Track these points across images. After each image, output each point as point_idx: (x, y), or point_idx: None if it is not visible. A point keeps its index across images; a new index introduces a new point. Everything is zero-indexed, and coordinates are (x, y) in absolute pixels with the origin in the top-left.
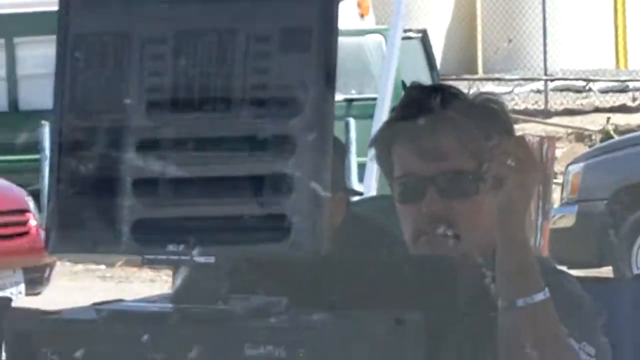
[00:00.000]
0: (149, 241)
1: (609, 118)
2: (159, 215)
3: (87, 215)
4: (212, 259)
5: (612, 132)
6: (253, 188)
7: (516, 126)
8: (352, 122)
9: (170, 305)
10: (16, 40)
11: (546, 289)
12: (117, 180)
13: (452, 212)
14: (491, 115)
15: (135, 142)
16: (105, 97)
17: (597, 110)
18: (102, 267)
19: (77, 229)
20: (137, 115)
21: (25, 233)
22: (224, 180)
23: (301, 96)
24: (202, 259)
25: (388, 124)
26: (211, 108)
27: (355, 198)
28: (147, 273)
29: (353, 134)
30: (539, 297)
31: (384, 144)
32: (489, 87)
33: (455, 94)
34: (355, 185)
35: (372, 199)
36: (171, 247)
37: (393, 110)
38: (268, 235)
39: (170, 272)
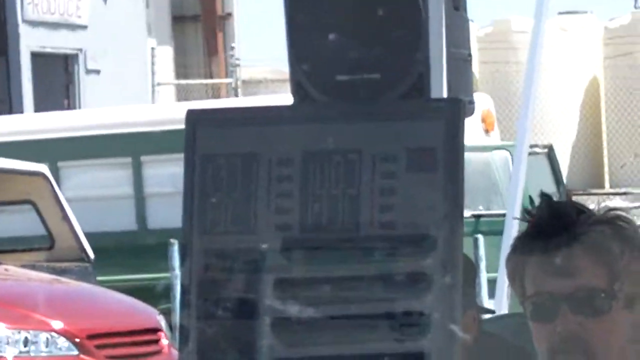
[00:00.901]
0: None
1: None
2: (297, 355)
3: (226, 355)
4: None
5: None
6: (390, 326)
7: None
8: (481, 238)
9: None
10: (143, 158)
11: None
12: (255, 319)
13: (587, 333)
14: (622, 234)
15: (271, 281)
16: (234, 220)
17: None
18: None
19: None
20: (271, 252)
21: (158, 352)
22: (360, 318)
23: (434, 234)
24: None
25: (519, 241)
26: (343, 241)
27: (487, 316)
28: None
29: (482, 251)
30: None
31: (515, 260)
32: (616, 202)
33: (584, 210)
34: (486, 302)
35: (503, 316)
36: None
37: (526, 228)
38: None
39: None
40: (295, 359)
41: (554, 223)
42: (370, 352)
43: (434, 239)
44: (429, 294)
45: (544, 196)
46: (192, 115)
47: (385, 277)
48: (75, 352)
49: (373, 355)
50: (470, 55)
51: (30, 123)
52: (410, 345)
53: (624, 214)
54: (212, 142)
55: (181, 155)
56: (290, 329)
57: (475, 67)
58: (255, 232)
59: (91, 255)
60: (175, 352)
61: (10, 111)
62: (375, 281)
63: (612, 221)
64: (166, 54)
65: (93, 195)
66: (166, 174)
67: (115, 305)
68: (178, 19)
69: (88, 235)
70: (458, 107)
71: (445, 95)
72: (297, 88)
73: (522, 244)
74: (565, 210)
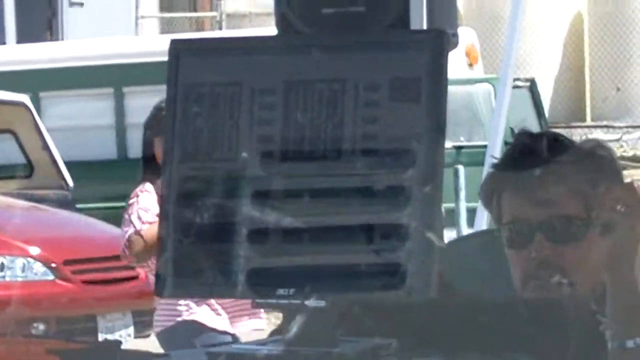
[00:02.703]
0: (263, 287)
1: None
2: (273, 265)
3: (202, 264)
4: (322, 303)
5: None
6: (367, 237)
7: (625, 172)
8: (461, 169)
9: (282, 348)
10: (125, 89)
11: None
12: (232, 230)
13: (561, 259)
14: (600, 162)
15: (250, 192)
16: (216, 146)
17: None
18: None
19: (192, 277)
20: (251, 166)
21: (135, 277)
22: (338, 229)
23: (415, 148)
24: (313, 303)
25: (497, 170)
26: (324, 158)
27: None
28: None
29: (462, 181)
30: None
31: (492, 190)
32: (597, 135)
33: (563, 141)
34: (465, 230)
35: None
36: (281, 291)
37: (502, 156)
38: (383, 283)
39: (279, 316)
40: (272, 269)
41: (531, 152)
42: (347, 262)
43: (415, 154)
44: (408, 207)
45: (522, 129)
46: (175, 45)
47: (364, 189)
48: (52, 277)
49: (350, 265)
50: None
51: (13, 54)
52: (387, 256)
53: (602, 144)
54: (194, 72)
55: (163, 87)
56: (267, 240)
57: (460, 2)
58: (239, 160)
59: (70, 183)
60: (151, 278)
61: None
62: (354, 194)
63: (591, 151)
64: None
65: (75, 125)
66: (148, 105)
67: (93, 232)
68: None
69: (69, 164)
70: (442, 38)
71: (426, 28)
72: (282, 20)
73: (499, 172)
74: (543, 140)
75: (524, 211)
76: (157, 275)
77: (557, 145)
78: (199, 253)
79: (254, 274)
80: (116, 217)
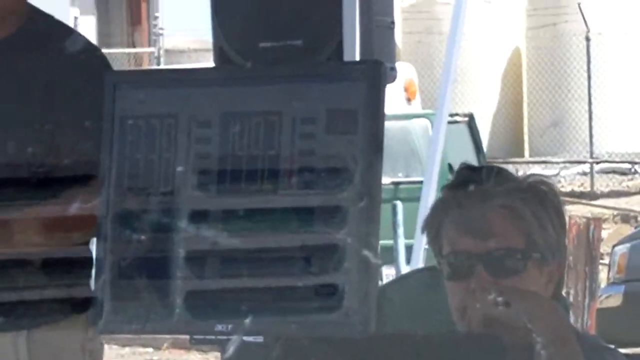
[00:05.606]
0: (200, 316)
1: None
2: (211, 287)
3: (140, 286)
4: (260, 339)
5: None
6: (305, 260)
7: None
8: (399, 204)
9: None
10: None
11: None
12: (169, 252)
13: (501, 287)
14: (542, 197)
15: (187, 217)
16: (152, 177)
17: None
18: (149, 349)
19: (129, 300)
20: (187, 187)
21: None
22: (275, 253)
23: (351, 167)
24: (250, 339)
25: (439, 203)
26: (260, 191)
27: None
28: (194, 355)
29: (400, 217)
30: None
31: (434, 223)
32: (535, 170)
33: (505, 174)
34: (403, 267)
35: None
36: (220, 327)
37: (443, 189)
38: (320, 305)
39: (218, 355)
40: (209, 291)
41: (471, 186)
42: (284, 285)
43: (352, 173)
44: (345, 227)
45: (464, 163)
46: (111, 76)
47: (301, 210)
48: None
49: (287, 287)
50: (393, 22)
51: None
52: (324, 278)
53: (545, 178)
54: (131, 104)
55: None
56: (204, 262)
57: (399, 38)
58: (173, 192)
59: None
60: None
61: None
62: (290, 217)
63: (532, 185)
64: (89, 23)
65: None
66: None
67: None
68: None
69: None
70: (379, 69)
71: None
72: (220, 54)
73: (441, 206)
74: (484, 174)
75: (464, 243)
76: (94, 300)
77: (499, 178)
78: (136, 274)
79: (192, 300)
80: None
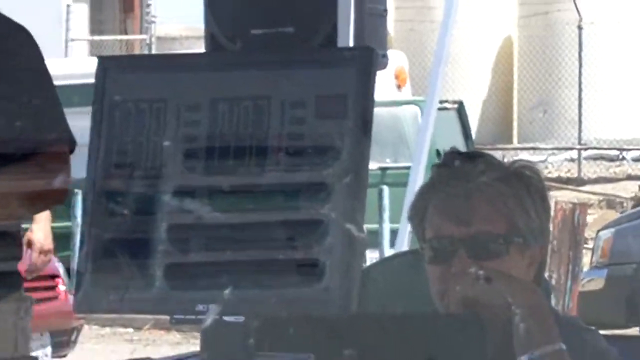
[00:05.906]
0: (179, 288)
1: None
2: (191, 260)
3: (120, 259)
4: (241, 319)
5: None
6: (288, 234)
7: (549, 193)
8: (386, 189)
9: None
10: None
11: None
12: (152, 226)
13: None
14: (527, 183)
15: (172, 189)
16: (140, 161)
17: (630, 178)
18: (130, 330)
19: (110, 272)
20: (174, 165)
21: (55, 298)
22: (259, 227)
23: (338, 145)
24: (231, 319)
25: (425, 188)
26: (248, 173)
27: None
28: (174, 336)
29: (387, 201)
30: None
31: (420, 208)
32: (523, 156)
33: (491, 161)
34: (387, 251)
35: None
36: (200, 307)
37: (430, 175)
38: (300, 280)
39: (197, 335)
40: (189, 264)
41: (458, 171)
42: (265, 258)
43: (339, 149)
44: (329, 202)
45: (451, 148)
46: (103, 61)
47: (286, 185)
48: None
49: (268, 261)
50: (385, 10)
51: None
52: (306, 253)
53: (529, 164)
54: (121, 88)
55: (89, 109)
56: (187, 236)
57: (391, 26)
58: (159, 170)
59: None
60: (71, 298)
61: None
62: (276, 192)
63: (517, 171)
64: (82, 10)
65: None
66: (76, 127)
67: None
68: None
69: None
70: (369, 55)
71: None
72: (211, 41)
73: (426, 190)
74: (470, 159)
75: (447, 227)
76: (77, 272)
77: (484, 164)
78: (117, 247)
79: (172, 273)
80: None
